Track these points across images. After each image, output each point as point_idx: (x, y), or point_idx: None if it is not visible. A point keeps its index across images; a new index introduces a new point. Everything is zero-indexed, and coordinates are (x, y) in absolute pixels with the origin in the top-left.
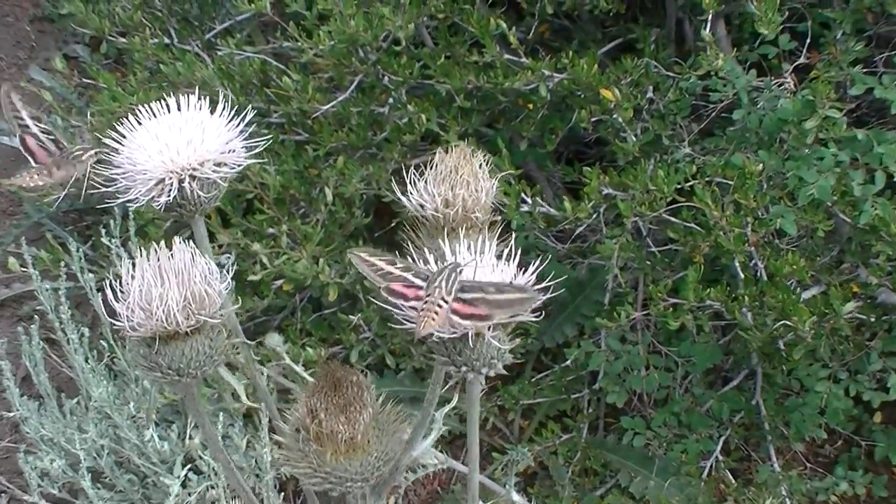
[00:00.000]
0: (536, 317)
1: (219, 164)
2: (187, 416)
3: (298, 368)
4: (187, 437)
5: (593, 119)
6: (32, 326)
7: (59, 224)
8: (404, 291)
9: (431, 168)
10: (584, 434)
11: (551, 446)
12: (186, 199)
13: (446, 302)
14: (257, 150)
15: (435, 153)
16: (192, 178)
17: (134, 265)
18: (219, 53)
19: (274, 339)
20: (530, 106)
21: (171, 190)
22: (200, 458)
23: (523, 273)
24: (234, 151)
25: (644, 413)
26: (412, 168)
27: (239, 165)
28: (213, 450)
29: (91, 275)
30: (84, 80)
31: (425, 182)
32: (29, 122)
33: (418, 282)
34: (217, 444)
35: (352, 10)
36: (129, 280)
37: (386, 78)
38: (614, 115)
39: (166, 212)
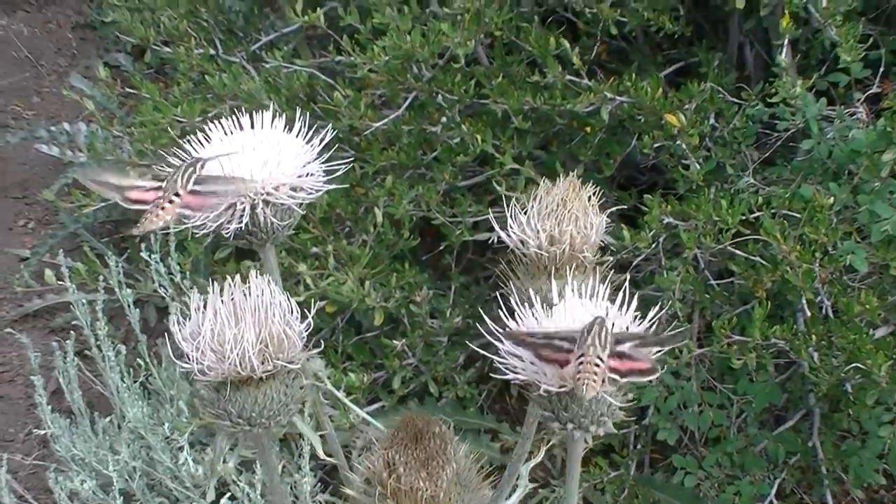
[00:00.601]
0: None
1: (295, 189)
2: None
3: (341, 395)
4: (221, 461)
5: (655, 145)
6: (67, 342)
7: (94, 235)
8: (557, 357)
9: (535, 200)
10: (632, 470)
11: (598, 483)
12: (258, 227)
13: (602, 360)
14: (337, 174)
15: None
16: (266, 203)
17: (205, 301)
18: (265, 66)
19: (316, 364)
20: (587, 129)
21: (242, 216)
22: (234, 482)
23: (640, 321)
24: (311, 175)
25: (694, 451)
26: (513, 201)
27: (317, 191)
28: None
29: (129, 290)
30: (126, 89)
31: (528, 216)
32: (124, 183)
33: (564, 343)
34: (286, 499)
35: (408, 26)
36: (199, 317)
37: (440, 96)
38: (678, 142)
39: (235, 239)
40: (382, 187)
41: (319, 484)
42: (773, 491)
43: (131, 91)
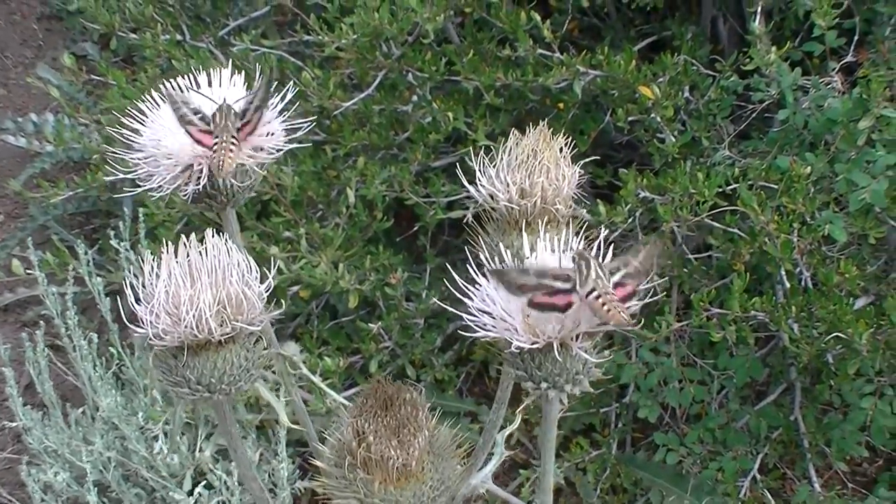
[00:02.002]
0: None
1: (255, 149)
2: (198, 429)
3: (317, 379)
4: (198, 449)
5: (630, 119)
6: (37, 332)
7: (64, 227)
8: (555, 301)
9: (504, 152)
10: (613, 450)
11: (580, 462)
12: (217, 189)
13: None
14: (299, 135)
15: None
16: None
17: (159, 263)
18: (234, 49)
19: (291, 349)
20: (561, 106)
21: (200, 178)
22: (211, 471)
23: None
24: (272, 134)
25: (676, 429)
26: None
27: (279, 151)
28: (245, 477)
29: (99, 279)
30: (93, 77)
31: (497, 169)
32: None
33: (560, 284)
34: (250, 469)
35: (376, 3)
36: (153, 280)
37: (410, 74)
38: (652, 115)
39: (193, 203)
40: (354, 169)
41: (298, 471)
42: (756, 466)
43: (98, 79)
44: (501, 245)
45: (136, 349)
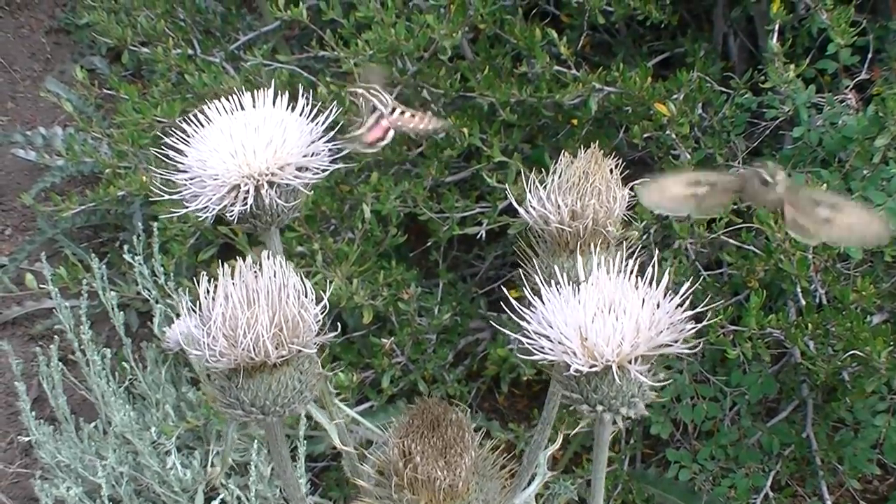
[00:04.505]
0: None
1: (301, 169)
2: (209, 443)
3: (332, 395)
4: (209, 464)
5: (645, 135)
6: (51, 347)
7: (73, 241)
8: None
9: (554, 174)
10: (625, 466)
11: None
12: (262, 209)
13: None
14: (344, 154)
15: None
16: (271, 184)
17: (215, 286)
18: (246, 64)
19: None
20: (574, 122)
21: (246, 198)
22: (223, 486)
23: (670, 297)
24: (317, 154)
25: (687, 445)
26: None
27: (324, 171)
28: (293, 498)
29: (113, 293)
30: (103, 91)
31: (548, 191)
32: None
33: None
34: (298, 491)
35: (392, 19)
36: (209, 303)
37: (425, 90)
38: (667, 132)
39: (238, 223)
40: (368, 184)
41: (309, 485)
42: (769, 483)
43: (108, 93)
44: (555, 267)
45: (149, 363)
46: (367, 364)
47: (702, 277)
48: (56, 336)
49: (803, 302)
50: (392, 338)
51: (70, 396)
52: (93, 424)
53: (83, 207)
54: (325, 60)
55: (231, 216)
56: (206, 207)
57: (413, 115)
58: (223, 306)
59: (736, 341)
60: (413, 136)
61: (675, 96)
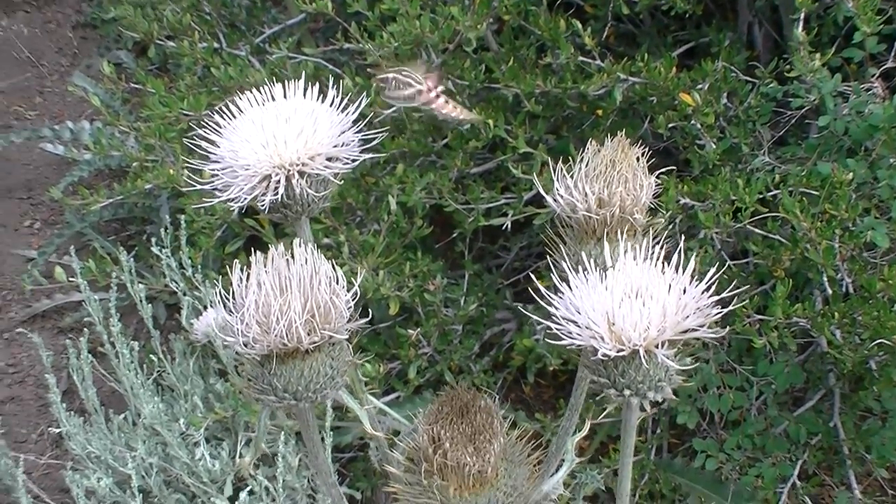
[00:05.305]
0: None
1: (331, 159)
2: (237, 434)
3: (360, 385)
4: (238, 455)
5: (670, 125)
6: (80, 339)
7: (100, 234)
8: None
9: (582, 162)
10: (651, 455)
11: (618, 467)
12: (293, 199)
13: None
14: (374, 143)
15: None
16: (301, 174)
17: (248, 273)
18: (271, 57)
19: None
20: (599, 112)
21: (277, 187)
22: (252, 477)
23: (696, 283)
24: (347, 145)
25: (713, 434)
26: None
27: (354, 161)
28: (326, 484)
29: (141, 286)
30: (130, 85)
31: (575, 179)
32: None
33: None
34: (330, 477)
35: (417, 11)
36: (242, 290)
37: (450, 82)
38: (692, 122)
39: (269, 213)
40: (394, 176)
41: (336, 475)
42: (796, 472)
43: (135, 87)
44: (583, 254)
45: (178, 355)
46: (394, 355)
47: (727, 267)
48: (85, 328)
49: (829, 291)
50: (418, 329)
51: (99, 388)
52: (122, 416)
53: (111, 201)
54: (349, 53)
55: (262, 206)
56: (237, 197)
57: (447, 102)
58: (256, 293)
59: (762, 331)
60: (440, 121)
61: (699, 86)
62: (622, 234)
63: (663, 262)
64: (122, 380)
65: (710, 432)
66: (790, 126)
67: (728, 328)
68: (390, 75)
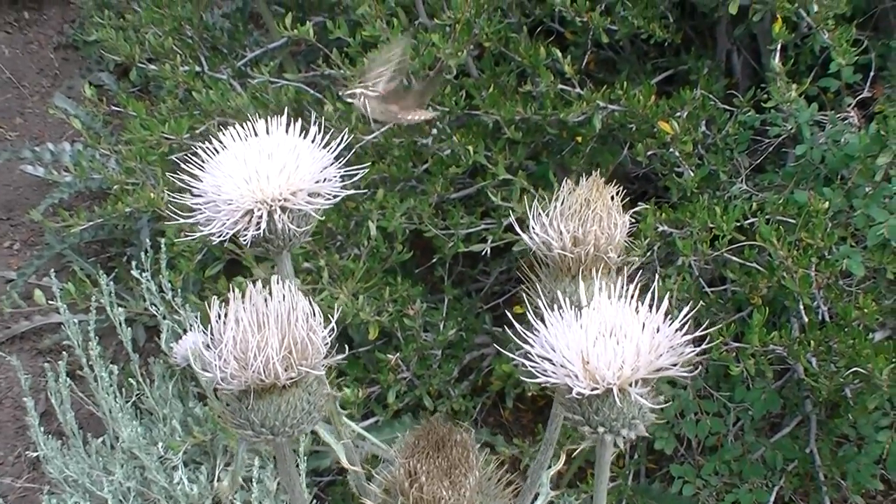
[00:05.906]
0: None
1: (313, 195)
2: (216, 458)
3: (339, 411)
4: (216, 479)
5: (649, 153)
6: (59, 361)
7: (81, 256)
8: None
9: (557, 200)
10: (629, 481)
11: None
12: (274, 234)
13: None
14: (355, 180)
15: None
16: (283, 209)
17: (226, 310)
18: (252, 81)
19: None
20: (579, 139)
21: (259, 222)
22: (231, 502)
23: (670, 321)
24: (329, 180)
25: (690, 460)
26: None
27: (335, 196)
28: None
29: (121, 309)
30: (112, 107)
31: (550, 217)
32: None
33: None
34: None
35: (398, 37)
36: (220, 326)
37: (430, 108)
38: (671, 149)
39: (251, 247)
40: (374, 201)
41: (315, 501)
42: (772, 498)
43: (116, 109)
44: (558, 292)
45: (157, 378)
46: (373, 379)
47: (705, 294)
48: (64, 351)
49: (806, 319)
50: (398, 353)
51: (78, 411)
52: (100, 439)
53: (91, 223)
54: (331, 78)
55: (244, 240)
56: (220, 231)
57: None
58: (234, 330)
59: (739, 358)
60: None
61: (678, 114)
62: (597, 272)
63: (638, 301)
64: (101, 403)
65: (688, 458)
66: (768, 154)
67: (704, 357)
68: (357, 90)
